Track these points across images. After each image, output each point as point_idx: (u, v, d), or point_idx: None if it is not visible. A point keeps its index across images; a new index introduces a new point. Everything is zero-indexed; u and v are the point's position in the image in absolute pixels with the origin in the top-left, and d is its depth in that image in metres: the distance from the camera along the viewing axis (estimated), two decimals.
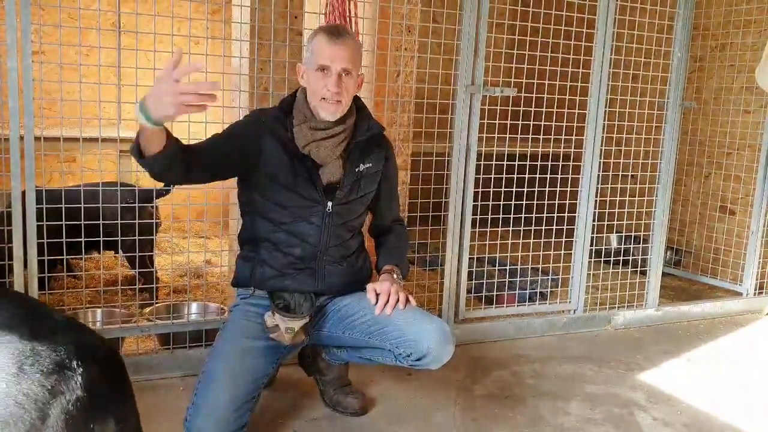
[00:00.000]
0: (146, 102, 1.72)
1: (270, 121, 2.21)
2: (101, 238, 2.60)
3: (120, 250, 3.06)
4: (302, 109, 2.20)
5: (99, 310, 2.90)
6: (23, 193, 2.44)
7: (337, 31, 2.16)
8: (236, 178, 2.27)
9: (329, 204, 2.20)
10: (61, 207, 2.50)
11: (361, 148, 2.27)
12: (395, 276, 2.26)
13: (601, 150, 3.42)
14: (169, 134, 1.86)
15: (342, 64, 2.11)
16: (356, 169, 2.25)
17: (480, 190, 3.23)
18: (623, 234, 4.46)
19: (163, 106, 1.70)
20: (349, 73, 2.14)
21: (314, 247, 2.24)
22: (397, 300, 2.13)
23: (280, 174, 2.17)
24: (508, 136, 3.30)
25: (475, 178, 3.17)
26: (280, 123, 2.20)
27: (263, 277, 2.25)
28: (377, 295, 2.15)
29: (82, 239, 2.56)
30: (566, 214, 3.47)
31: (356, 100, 2.30)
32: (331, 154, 2.20)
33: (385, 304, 2.13)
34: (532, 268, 3.71)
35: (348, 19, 2.70)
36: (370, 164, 2.29)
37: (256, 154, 2.16)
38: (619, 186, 3.70)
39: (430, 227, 3.23)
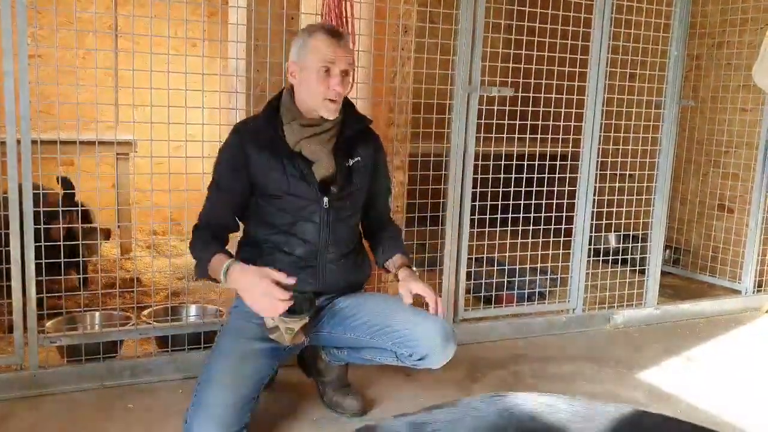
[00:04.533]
0: (236, 284, 2.05)
1: (252, 128, 2.23)
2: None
3: None
4: (290, 108, 2.21)
5: (97, 313, 2.90)
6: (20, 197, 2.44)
7: (336, 31, 2.19)
8: None
9: (325, 200, 2.20)
10: None
11: (350, 142, 2.28)
12: (414, 270, 2.30)
13: (598, 149, 3.42)
14: (227, 254, 2.12)
15: (344, 65, 2.15)
16: (346, 164, 2.27)
17: (478, 190, 3.22)
18: (622, 233, 4.46)
19: (257, 303, 2.02)
20: (348, 74, 2.18)
21: (314, 246, 2.24)
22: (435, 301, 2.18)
23: (270, 179, 2.18)
24: (505, 136, 3.29)
25: (473, 178, 3.17)
26: (269, 124, 2.21)
27: None
28: (412, 295, 2.19)
29: None
30: (564, 214, 3.47)
31: None
32: (322, 148, 2.21)
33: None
34: (530, 267, 3.71)
35: (344, 19, 2.70)
36: (359, 158, 2.30)
37: (247, 165, 2.19)
38: (617, 185, 3.70)
39: (428, 228, 3.23)
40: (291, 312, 2.18)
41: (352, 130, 2.28)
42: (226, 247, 2.21)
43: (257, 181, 2.20)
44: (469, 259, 3.24)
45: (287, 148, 2.18)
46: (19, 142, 2.40)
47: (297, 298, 2.23)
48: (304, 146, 2.19)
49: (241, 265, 2.05)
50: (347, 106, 2.32)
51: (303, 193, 2.19)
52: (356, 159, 2.29)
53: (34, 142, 2.43)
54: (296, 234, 2.23)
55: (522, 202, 3.39)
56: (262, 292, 1.99)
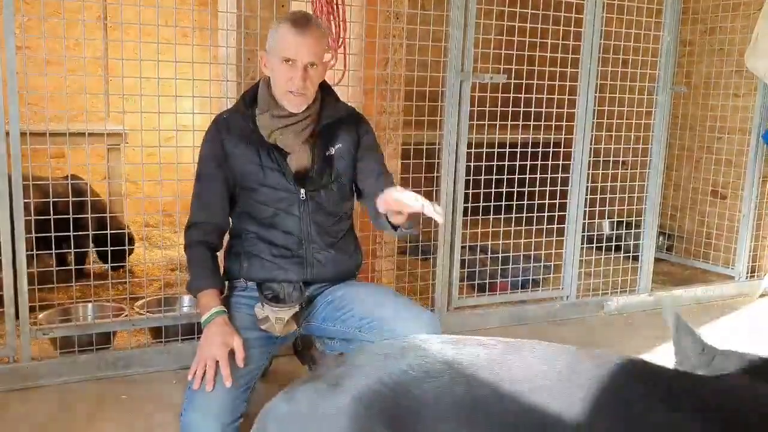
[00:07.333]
0: (207, 330, 2.02)
1: (228, 120, 2.20)
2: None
3: None
4: (266, 99, 2.17)
5: (90, 305, 2.88)
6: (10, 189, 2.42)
7: (303, 20, 2.09)
8: None
9: (302, 191, 2.18)
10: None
11: (329, 130, 2.23)
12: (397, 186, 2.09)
13: (591, 136, 3.42)
14: (220, 290, 2.15)
15: (308, 57, 2.06)
16: (326, 153, 2.23)
17: (471, 178, 3.22)
18: (615, 220, 4.47)
19: (202, 350, 1.99)
20: (315, 66, 2.09)
21: (297, 237, 2.22)
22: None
23: (246, 171, 2.17)
24: (498, 123, 3.28)
25: (466, 166, 3.16)
26: (242, 116, 2.18)
27: (252, 268, 2.24)
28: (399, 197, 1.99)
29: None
30: (558, 201, 3.47)
31: (322, 84, 2.27)
32: (296, 139, 2.17)
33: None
34: (524, 255, 3.71)
35: (335, 6, 2.68)
36: (341, 144, 2.25)
37: (226, 156, 2.17)
38: (610, 172, 3.70)
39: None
40: (280, 301, 2.17)
41: (330, 118, 2.24)
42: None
43: (235, 173, 2.19)
44: (462, 247, 3.24)
45: (262, 139, 2.16)
46: (7, 134, 2.38)
47: (285, 287, 2.23)
48: (278, 136, 2.17)
49: (224, 320, 2.03)
50: (326, 93, 2.27)
51: (279, 185, 2.17)
52: (338, 146, 2.25)
53: (23, 133, 2.41)
54: (277, 226, 2.21)
55: (515, 189, 3.38)
56: (215, 345, 1.96)
